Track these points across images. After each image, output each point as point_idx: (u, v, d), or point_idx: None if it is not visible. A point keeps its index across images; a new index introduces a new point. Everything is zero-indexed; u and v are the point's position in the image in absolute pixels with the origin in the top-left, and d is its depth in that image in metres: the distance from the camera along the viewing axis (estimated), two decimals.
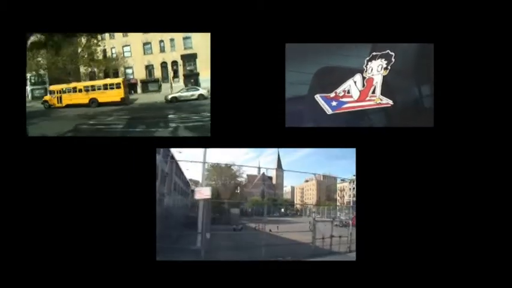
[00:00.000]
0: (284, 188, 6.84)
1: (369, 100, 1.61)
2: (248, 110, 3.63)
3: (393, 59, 1.63)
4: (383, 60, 1.67)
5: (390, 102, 1.60)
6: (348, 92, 1.70)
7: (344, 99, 1.67)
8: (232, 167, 5.49)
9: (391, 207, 3.58)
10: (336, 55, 1.60)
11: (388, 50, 1.63)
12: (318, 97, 1.67)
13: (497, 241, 3.52)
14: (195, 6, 3.63)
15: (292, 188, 6.94)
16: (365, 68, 1.67)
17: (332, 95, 1.68)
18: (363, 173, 3.61)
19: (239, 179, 5.77)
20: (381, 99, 1.61)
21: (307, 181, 6.56)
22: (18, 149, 3.59)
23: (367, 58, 1.72)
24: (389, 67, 1.66)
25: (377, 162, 3.60)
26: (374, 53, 1.65)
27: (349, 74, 1.68)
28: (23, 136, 3.63)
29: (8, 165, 3.58)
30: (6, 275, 3.50)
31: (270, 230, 4.79)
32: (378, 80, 1.58)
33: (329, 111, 1.64)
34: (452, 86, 3.56)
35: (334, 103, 1.62)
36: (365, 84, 1.64)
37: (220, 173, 5.46)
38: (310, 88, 1.65)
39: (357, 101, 1.66)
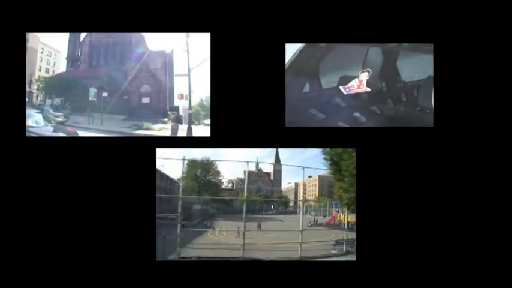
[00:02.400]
0: (288, 185, 6.74)
1: (361, 89, 2.75)
2: (248, 110, 3.64)
3: (370, 72, 2.76)
4: (366, 72, 2.80)
5: (368, 89, 2.75)
6: (352, 85, 2.81)
7: (351, 88, 2.80)
8: (213, 163, 5.44)
9: (391, 207, 3.58)
10: (348, 70, 2.76)
11: (368, 68, 2.80)
12: (340, 87, 2.80)
13: (498, 241, 3.51)
14: (195, 6, 3.63)
15: (296, 185, 6.84)
16: (359, 75, 2.85)
17: (346, 86, 2.81)
18: (363, 173, 3.61)
19: (220, 176, 5.68)
20: (365, 88, 2.75)
21: (310, 177, 6.43)
22: (17, 149, 3.59)
23: (360, 71, 2.82)
24: (369, 75, 2.81)
25: (377, 162, 3.60)
26: (363, 69, 2.76)
27: (352, 78, 2.85)
28: (22, 136, 3.63)
29: (6, 165, 3.58)
30: (6, 275, 3.50)
31: (213, 228, 4.84)
32: (364, 80, 2.77)
33: (344, 92, 2.78)
34: (452, 86, 3.56)
35: (347, 90, 2.79)
36: (359, 82, 2.80)
37: (201, 169, 5.41)
38: (337, 83, 2.77)
39: (356, 89, 2.80)
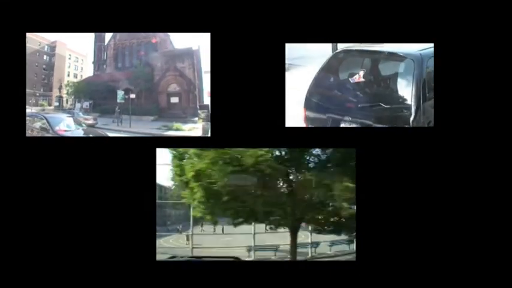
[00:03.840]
0: None
1: (360, 80, 3.69)
2: (248, 110, 3.64)
3: (365, 70, 3.72)
4: (362, 71, 3.72)
5: (364, 80, 3.68)
6: (355, 77, 3.70)
7: (354, 79, 3.70)
8: None
9: (391, 207, 3.58)
10: (353, 69, 3.77)
11: (364, 68, 3.74)
12: (349, 79, 3.74)
13: (498, 241, 3.51)
14: (195, 6, 3.64)
15: None
16: (359, 72, 3.70)
17: (352, 78, 3.73)
18: (363, 173, 3.61)
19: None
20: (362, 79, 3.68)
21: None
22: (17, 149, 3.59)
23: (359, 70, 3.72)
24: (364, 72, 3.71)
25: (377, 162, 3.60)
26: (361, 69, 3.73)
27: (355, 73, 3.71)
28: (22, 137, 3.64)
29: (6, 165, 3.58)
30: (6, 275, 3.51)
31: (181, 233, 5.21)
32: (361, 75, 3.67)
33: (351, 82, 3.71)
34: (452, 86, 3.56)
35: (353, 80, 3.71)
36: (359, 76, 3.66)
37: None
38: (348, 76, 3.79)
39: (357, 80, 3.70)
